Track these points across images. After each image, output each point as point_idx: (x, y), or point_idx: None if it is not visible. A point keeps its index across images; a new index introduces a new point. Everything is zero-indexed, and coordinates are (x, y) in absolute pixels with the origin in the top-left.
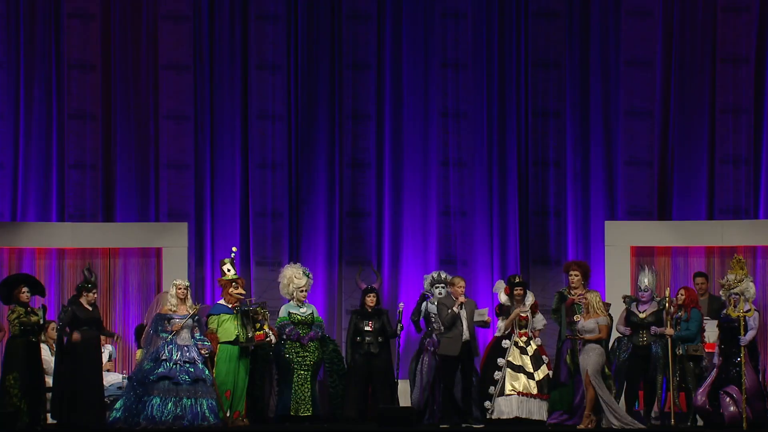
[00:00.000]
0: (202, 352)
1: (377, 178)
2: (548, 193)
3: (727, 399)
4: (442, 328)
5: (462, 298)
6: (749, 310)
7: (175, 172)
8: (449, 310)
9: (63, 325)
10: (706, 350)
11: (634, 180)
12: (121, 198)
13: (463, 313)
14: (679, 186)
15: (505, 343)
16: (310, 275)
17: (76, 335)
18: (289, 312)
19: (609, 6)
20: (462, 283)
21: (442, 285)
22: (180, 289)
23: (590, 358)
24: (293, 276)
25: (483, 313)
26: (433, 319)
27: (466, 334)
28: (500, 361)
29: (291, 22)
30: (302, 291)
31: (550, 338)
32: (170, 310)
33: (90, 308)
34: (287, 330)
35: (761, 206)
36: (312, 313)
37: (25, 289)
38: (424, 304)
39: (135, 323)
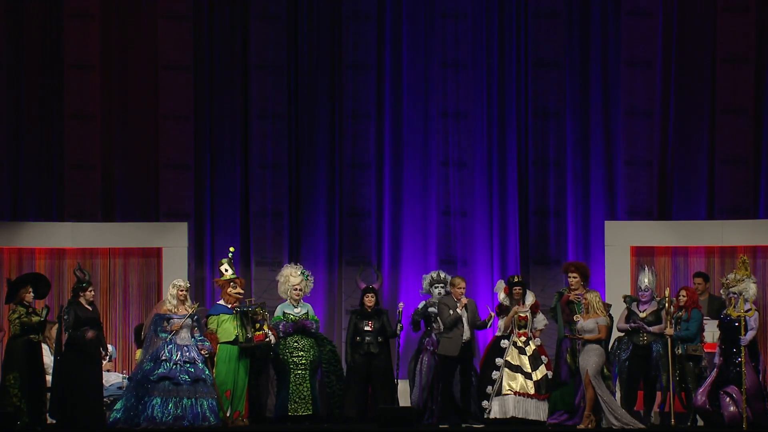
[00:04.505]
0: (202, 352)
1: (377, 178)
2: (548, 193)
3: (727, 399)
4: (441, 327)
5: (464, 300)
6: (749, 310)
7: (175, 172)
8: (451, 312)
9: (71, 326)
10: (706, 350)
11: (634, 180)
12: (121, 198)
13: (464, 314)
14: (679, 186)
15: (504, 343)
16: (310, 278)
17: (90, 333)
18: (284, 312)
19: (609, 6)
20: (462, 284)
21: (441, 285)
22: (181, 291)
23: (590, 359)
24: (290, 274)
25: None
26: (432, 319)
27: (466, 335)
28: (498, 360)
29: (291, 22)
30: (296, 289)
31: (551, 338)
32: (169, 310)
33: (89, 308)
34: (281, 326)
35: (761, 206)
36: (307, 312)
37: (31, 290)
38: (422, 303)
39: (135, 323)
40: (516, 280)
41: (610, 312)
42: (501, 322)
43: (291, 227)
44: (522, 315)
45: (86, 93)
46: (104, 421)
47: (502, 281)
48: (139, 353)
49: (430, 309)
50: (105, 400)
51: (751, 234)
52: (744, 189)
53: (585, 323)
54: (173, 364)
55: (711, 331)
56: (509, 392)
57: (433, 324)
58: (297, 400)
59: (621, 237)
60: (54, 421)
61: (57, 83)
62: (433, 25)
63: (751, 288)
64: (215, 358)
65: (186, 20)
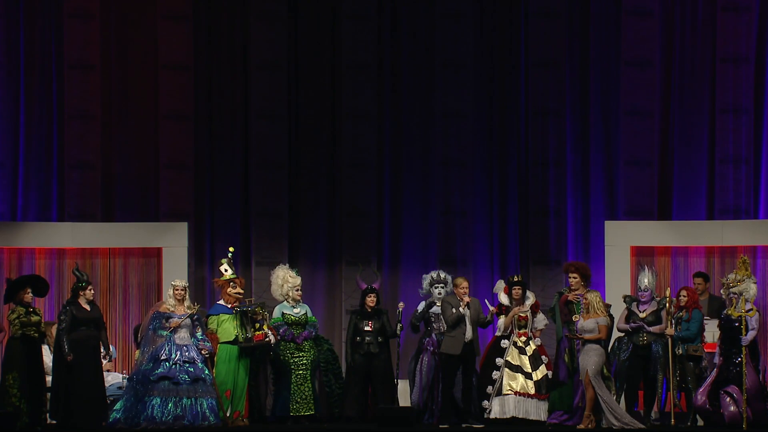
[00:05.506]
0: (203, 352)
1: (377, 178)
2: (548, 193)
3: (728, 399)
4: (442, 327)
5: (467, 299)
6: (750, 310)
7: (175, 172)
8: (453, 310)
9: (68, 328)
10: (706, 350)
11: (634, 180)
12: (121, 198)
13: (468, 313)
14: (679, 186)
15: (504, 342)
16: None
17: (69, 357)
18: (283, 312)
19: (609, 6)
20: (465, 284)
21: (442, 285)
22: (178, 290)
23: (590, 359)
24: (287, 276)
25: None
26: (432, 319)
27: (469, 334)
28: (498, 360)
29: (291, 22)
30: (298, 290)
31: (552, 338)
32: (168, 309)
33: (89, 308)
34: (281, 330)
35: (761, 206)
36: (305, 313)
37: (29, 290)
38: (422, 304)
39: (135, 323)
40: (516, 280)
41: (610, 312)
42: (501, 322)
43: (291, 227)
44: (522, 315)
45: (86, 93)
46: (104, 421)
47: (502, 281)
48: (138, 353)
49: (434, 309)
50: (105, 400)
51: (751, 234)
52: (744, 189)
53: (585, 323)
54: (173, 364)
55: (711, 331)
56: (510, 392)
57: (434, 324)
58: (299, 400)
59: (621, 237)
60: (54, 422)
61: (57, 83)
62: (433, 24)
63: (751, 288)
64: (215, 358)
65: (186, 20)
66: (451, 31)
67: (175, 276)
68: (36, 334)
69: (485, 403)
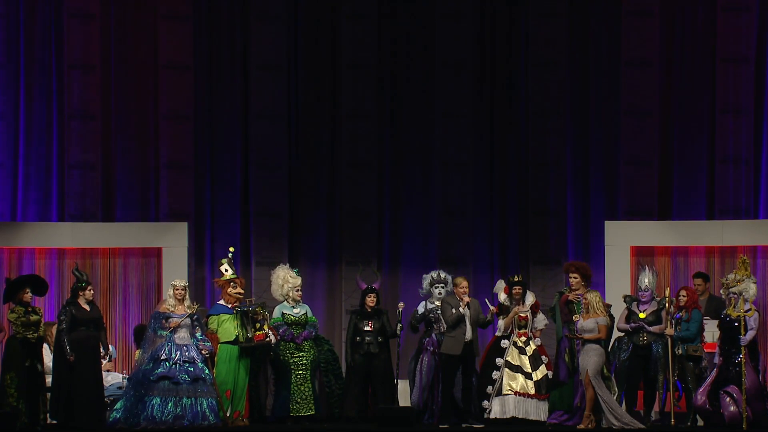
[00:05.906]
0: (203, 352)
1: (377, 178)
2: (548, 193)
3: (727, 399)
4: (442, 327)
5: (467, 299)
6: (749, 310)
7: (175, 172)
8: (453, 310)
9: (68, 328)
10: (706, 350)
11: (634, 180)
12: (121, 198)
13: (468, 313)
14: (679, 186)
15: (504, 343)
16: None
17: (71, 357)
18: (283, 313)
19: (609, 6)
20: (465, 283)
21: (442, 285)
22: (177, 290)
23: (590, 359)
24: (288, 276)
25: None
26: (433, 320)
27: (469, 334)
28: (498, 360)
29: (291, 22)
30: (298, 290)
31: (552, 338)
32: (168, 309)
33: (88, 308)
34: (281, 330)
35: (761, 206)
36: (305, 313)
37: (28, 290)
38: (422, 304)
39: (135, 323)
40: (516, 280)
41: (611, 312)
42: (501, 322)
43: (291, 227)
44: (522, 315)
45: (86, 93)
46: (104, 421)
47: (502, 281)
48: (138, 353)
49: (437, 312)
50: (105, 400)
51: (751, 234)
52: (744, 189)
53: (585, 323)
54: (173, 364)
55: (711, 331)
56: (509, 392)
57: (434, 324)
58: (299, 400)
59: (621, 237)
60: (54, 422)
61: (57, 83)
62: (433, 24)
63: (751, 288)
64: (215, 358)
65: (186, 20)
66: (451, 31)
67: (175, 276)
68: (35, 335)
69: (485, 403)
